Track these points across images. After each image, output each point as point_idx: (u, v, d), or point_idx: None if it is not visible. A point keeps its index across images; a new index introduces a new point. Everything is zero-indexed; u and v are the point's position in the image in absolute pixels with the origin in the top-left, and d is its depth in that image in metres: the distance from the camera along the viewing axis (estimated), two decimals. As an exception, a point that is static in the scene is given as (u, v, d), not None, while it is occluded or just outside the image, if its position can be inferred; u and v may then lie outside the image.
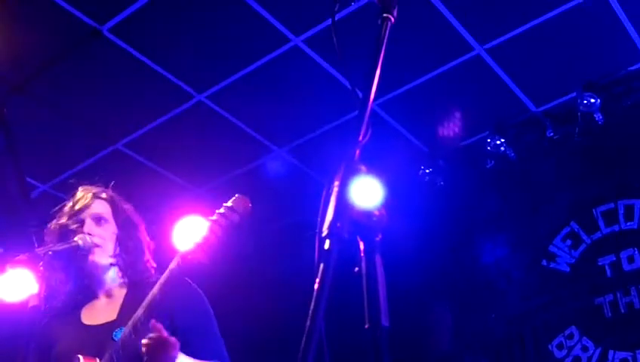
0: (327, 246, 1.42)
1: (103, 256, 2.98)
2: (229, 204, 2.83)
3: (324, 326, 1.34)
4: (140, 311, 2.71)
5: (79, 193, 3.12)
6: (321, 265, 1.40)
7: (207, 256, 2.76)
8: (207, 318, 3.00)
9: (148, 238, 3.17)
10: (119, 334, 2.74)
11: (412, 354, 5.34)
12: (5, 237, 5.68)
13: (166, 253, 3.09)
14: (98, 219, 3.04)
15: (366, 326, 1.50)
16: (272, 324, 6.10)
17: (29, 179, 5.92)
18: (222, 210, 2.81)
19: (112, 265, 3.00)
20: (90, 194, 3.11)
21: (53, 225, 3.08)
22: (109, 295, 3.01)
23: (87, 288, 3.02)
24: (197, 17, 4.81)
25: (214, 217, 2.79)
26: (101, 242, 2.98)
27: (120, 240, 3.04)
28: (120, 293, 3.01)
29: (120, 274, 3.03)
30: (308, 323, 1.34)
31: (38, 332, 2.84)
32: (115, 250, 3.01)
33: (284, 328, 5.49)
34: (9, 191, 5.42)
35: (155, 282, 2.80)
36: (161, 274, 2.81)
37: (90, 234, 2.96)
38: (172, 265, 2.77)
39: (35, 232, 5.05)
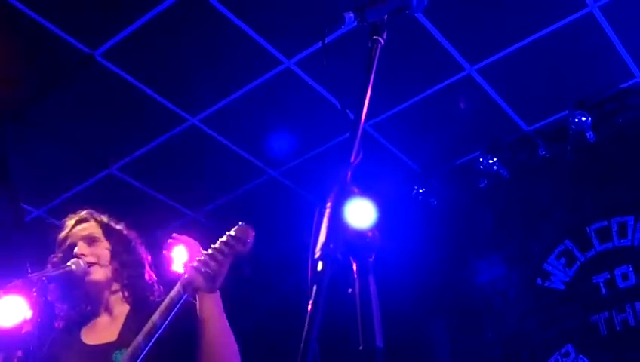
0: (320, 267, 1.41)
1: (100, 272, 2.92)
2: (232, 232, 2.74)
3: (317, 347, 1.34)
4: (139, 338, 2.67)
5: (66, 222, 3.10)
6: (314, 287, 1.40)
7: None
8: None
9: (145, 253, 3.10)
10: (119, 356, 2.71)
11: (408, 375, 5.32)
12: (-1, 263, 5.64)
13: (160, 277, 3.07)
14: (89, 239, 2.99)
15: (360, 348, 1.50)
16: (265, 346, 6.06)
17: (22, 205, 5.90)
18: (225, 238, 2.73)
19: (111, 279, 2.96)
20: (73, 221, 3.08)
21: (50, 259, 3.05)
22: (110, 312, 2.95)
23: (89, 308, 2.98)
24: (190, 41, 4.83)
25: (217, 245, 2.73)
26: (95, 259, 2.92)
27: (115, 255, 2.98)
28: (122, 311, 2.95)
29: (121, 289, 2.99)
30: (302, 345, 1.33)
31: (37, 354, 2.80)
32: (111, 265, 2.96)
33: (278, 350, 5.48)
34: (3, 216, 5.40)
35: (158, 301, 2.78)
36: (164, 290, 2.77)
37: (83, 255, 2.93)
38: (173, 292, 2.73)
39: (29, 257, 5.02)
